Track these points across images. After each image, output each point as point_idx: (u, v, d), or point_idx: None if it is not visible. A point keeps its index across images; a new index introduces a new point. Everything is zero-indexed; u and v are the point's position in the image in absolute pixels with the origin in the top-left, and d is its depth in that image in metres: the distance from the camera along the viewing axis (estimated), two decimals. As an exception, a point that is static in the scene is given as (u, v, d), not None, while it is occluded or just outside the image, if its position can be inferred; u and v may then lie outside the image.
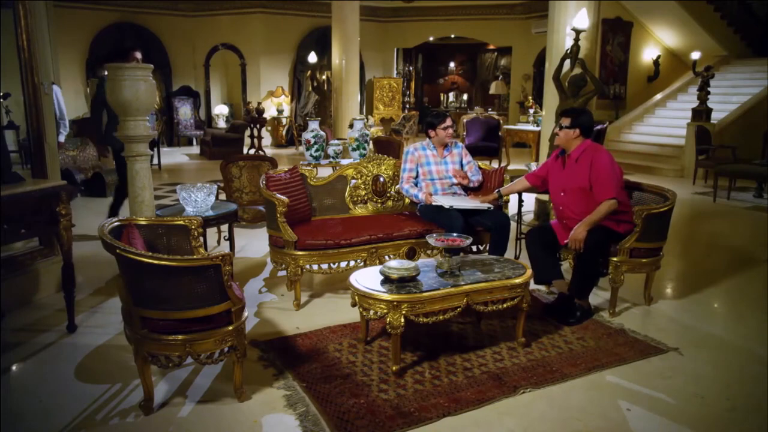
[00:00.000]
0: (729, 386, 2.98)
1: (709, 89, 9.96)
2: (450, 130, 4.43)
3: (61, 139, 6.05)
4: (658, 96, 12.57)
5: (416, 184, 4.44)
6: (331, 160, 5.75)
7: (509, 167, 8.72)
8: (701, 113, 9.95)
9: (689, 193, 8.49)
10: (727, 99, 10.88)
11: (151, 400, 2.66)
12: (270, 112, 13.66)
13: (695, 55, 10.36)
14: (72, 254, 3.55)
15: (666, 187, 4.13)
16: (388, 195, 4.66)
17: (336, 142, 6.61)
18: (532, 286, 3.65)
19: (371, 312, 3.02)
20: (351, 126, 7.26)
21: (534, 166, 4.95)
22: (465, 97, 18.28)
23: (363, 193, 4.60)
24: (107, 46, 12.66)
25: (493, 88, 16.16)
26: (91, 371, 3.05)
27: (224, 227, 5.02)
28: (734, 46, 12.42)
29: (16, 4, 3.82)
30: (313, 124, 5.99)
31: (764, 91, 10.66)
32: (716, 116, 10.15)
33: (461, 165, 4.50)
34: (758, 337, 3.60)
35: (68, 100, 10.38)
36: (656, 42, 12.94)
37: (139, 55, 5.65)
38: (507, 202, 4.46)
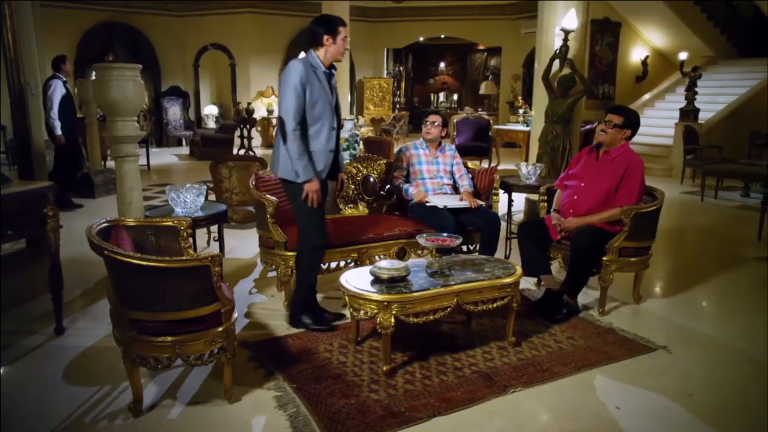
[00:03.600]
0: (718, 384, 3.01)
1: (696, 89, 10.06)
2: (429, 127, 4.45)
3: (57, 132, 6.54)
4: (647, 96, 12.68)
5: (407, 182, 4.45)
6: (322, 160, 5.74)
7: (499, 167, 8.74)
8: (689, 113, 10.04)
9: (677, 192, 8.55)
10: (714, 99, 10.98)
11: (140, 402, 2.64)
12: (260, 113, 13.62)
13: (683, 56, 10.45)
14: (59, 256, 3.52)
15: (654, 186, 4.16)
16: (378, 195, 4.66)
17: (326, 142, 6.59)
18: (522, 285, 3.66)
19: (361, 312, 3.02)
20: (341, 126, 7.27)
21: (524, 166, 4.97)
22: (455, 97, 18.33)
23: (353, 193, 4.60)
24: (95, 45, 12.59)
25: (483, 89, 16.21)
26: (80, 374, 3.02)
27: (214, 228, 4.99)
28: (721, 46, 12.54)
29: (2, 4, 3.79)
30: (303, 125, 5.97)
31: (750, 91, 10.78)
32: (704, 116, 10.25)
33: (452, 166, 4.51)
34: (747, 335, 3.63)
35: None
36: (644, 42, 13.03)
37: None
38: (497, 202, 4.48)
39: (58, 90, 6.77)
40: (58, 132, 6.71)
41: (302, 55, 3.25)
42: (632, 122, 3.86)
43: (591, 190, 3.88)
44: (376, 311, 2.91)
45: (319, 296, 4.14)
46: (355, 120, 9.64)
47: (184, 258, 2.85)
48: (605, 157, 3.89)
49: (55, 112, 6.66)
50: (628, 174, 3.78)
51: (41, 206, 3.42)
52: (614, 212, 3.77)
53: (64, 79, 6.98)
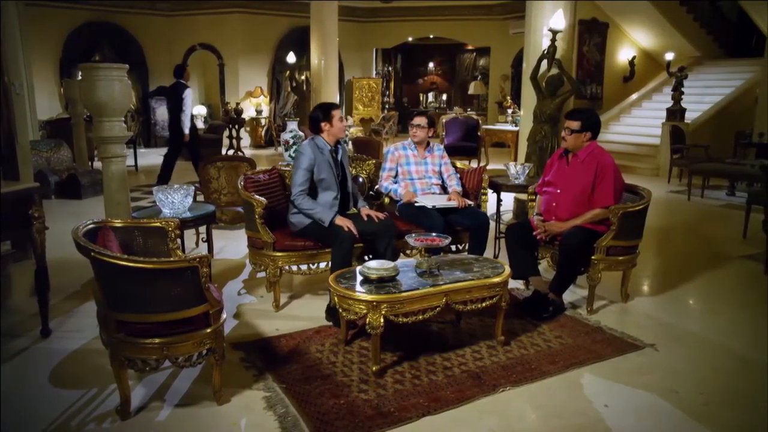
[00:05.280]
0: (703, 381, 3.04)
1: (682, 89, 10.14)
2: (414, 129, 4.45)
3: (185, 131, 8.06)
4: (634, 96, 12.77)
5: (396, 183, 4.45)
6: (311, 160, 5.73)
7: (488, 167, 8.77)
8: (675, 113, 10.13)
9: (664, 191, 8.63)
10: (700, 99, 11.09)
11: (128, 405, 2.63)
12: (249, 113, 13.57)
13: (669, 56, 10.55)
14: (45, 257, 3.48)
15: (641, 185, 4.20)
16: (367, 195, 4.65)
17: (315, 142, 6.58)
18: (511, 284, 3.67)
19: (351, 312, 3.01)
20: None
21: (513, 166, 4.99)
22: (444, 97, 18.35)
23: (342, 193, 4.58)
24: (82, 45, 12.48)
25: (472, 89, 16.25)
26: (66, 376, 3.00)
27: (202, 229, 4.97)
28: (707, 47, 12.66)
29: (-14, 3, 3.75)
30: (292, 125, 5.98)
31: (736, 91, 10.90)
32: (690, 116, 10.35)
33: (440, 167, 4.52)
34: (732, 333, 3.67)
35: (41, 101, 10.20)
36: (631, 43, 13.13)
37: None
38: (486, 201, 4.50)
39: (190, 97, 8.00)
40: (186, 131, 8.01)
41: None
42: (590, 124, 3.87)
43: (567, 195, 3.91)
44: (365, 311, 2.91)
45: (307, 296, 4.15)
46: (344, 120, 9.63)
47: (172, 259, 2.84)
48: (575, 161, 3.93)
49: (187, 116, 7.97)
50: (599, 174, 3.81)
51: (27, 208, 3.38)
52: (596, 212, 3.80)
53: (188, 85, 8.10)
